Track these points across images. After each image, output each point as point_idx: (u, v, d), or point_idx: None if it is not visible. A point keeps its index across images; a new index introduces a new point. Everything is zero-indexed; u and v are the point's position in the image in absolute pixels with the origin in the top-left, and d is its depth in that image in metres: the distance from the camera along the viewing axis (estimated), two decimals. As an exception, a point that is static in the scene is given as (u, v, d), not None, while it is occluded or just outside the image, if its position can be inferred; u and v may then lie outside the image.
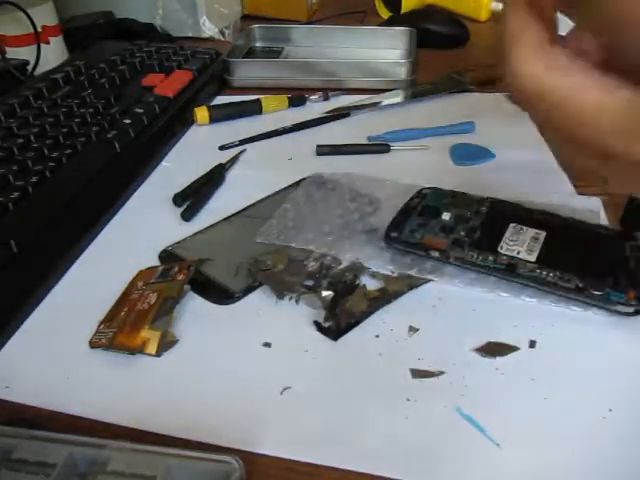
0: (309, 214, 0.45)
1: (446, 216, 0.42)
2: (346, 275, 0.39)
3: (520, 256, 0.38)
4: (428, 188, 0.46)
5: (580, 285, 0.36)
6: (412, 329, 0.35)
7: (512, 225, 0.41)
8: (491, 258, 0.38)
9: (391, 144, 0.56)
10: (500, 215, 0.42)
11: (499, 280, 0.38)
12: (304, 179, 0.49)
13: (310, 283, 0.38)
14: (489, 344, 0.34)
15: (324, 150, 0.55)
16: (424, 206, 0.44)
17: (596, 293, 0.35)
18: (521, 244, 0.39)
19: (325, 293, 0.37)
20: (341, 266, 0.40)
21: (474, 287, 0.38)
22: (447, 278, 0.38)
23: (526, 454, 0.28)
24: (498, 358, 0.33)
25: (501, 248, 0.39)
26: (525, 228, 0.40)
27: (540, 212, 0.43)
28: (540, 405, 0.30)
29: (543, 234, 0.40)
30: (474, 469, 0.28)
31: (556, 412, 0.30)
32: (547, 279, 0.37)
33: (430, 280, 0.38)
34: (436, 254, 0.39)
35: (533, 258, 0.38)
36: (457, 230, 0.41)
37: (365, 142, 0.57)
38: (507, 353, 0.33)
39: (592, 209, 0.44)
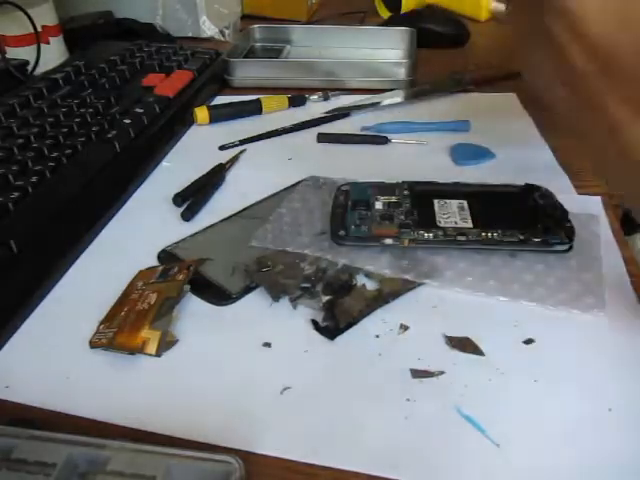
0: (305, 218, 0.44)
1: (379, 205, 0.43)
2: (342, 276, 0.38)
3: (460, 225, 0.40)
4: (346, 184, 0.46)
5: (522, 237, 0.39)
6: (412, 329, 0.35)
7: (436, 201, 0.43)
8: (440, 233, 0.40)
9: (389, 137, 0.56)
10: (422, 194, 0.44)
11: (496, 285, 0.37)
12: (300, 182, 0.49)
13: (307, 285, 0.38)
14: (454, 338, 0.34)
15: (324, 138, 0.57)
16: (353, 200, 0.44)
17: (537, 240, 0.39)
18: (453, 215, 0.41)
19: (322, 295, 0.37)
20: (337, 267, 0.39)
21: (471, 290, 0.37)
22: (444, 282, 0.38)
23: (526, 454, 0.28)
24: (500, 357, 0.33)
25: (439, 222, 0.41)
26: (448, 201, 0.43)
27: (452, 184, 0.45)
28: (540, 405, 0.30)
29: (465, 202, 0.42)
30: (474, 469, 0.28)
31: (556, 412, 0.30)
32: (494, 238, 0.39)
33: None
34: (390, 241, 0.40)
35: (470, 225, 0.40)
36: (396, 215, 0.42)
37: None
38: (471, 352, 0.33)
39: (592, 209, 0.44)
